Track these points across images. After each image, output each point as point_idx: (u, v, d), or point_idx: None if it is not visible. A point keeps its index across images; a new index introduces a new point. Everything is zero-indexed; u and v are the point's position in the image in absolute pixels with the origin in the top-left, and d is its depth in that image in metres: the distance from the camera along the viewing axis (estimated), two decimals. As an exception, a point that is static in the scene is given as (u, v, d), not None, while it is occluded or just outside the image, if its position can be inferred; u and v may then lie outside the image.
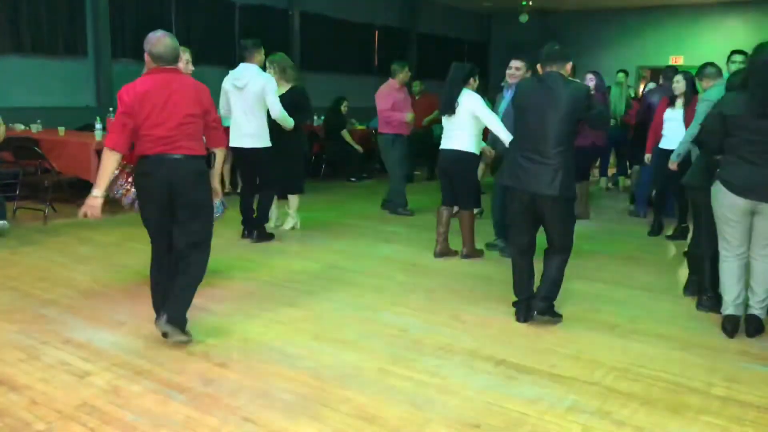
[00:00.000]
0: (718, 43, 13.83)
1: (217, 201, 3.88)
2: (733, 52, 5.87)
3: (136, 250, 5.51)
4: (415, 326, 4.00)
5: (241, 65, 5.68)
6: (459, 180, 5.44)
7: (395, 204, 7.51)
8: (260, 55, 5.75)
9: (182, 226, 3.53)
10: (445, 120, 5.47)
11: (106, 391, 3.06)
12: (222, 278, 4.80)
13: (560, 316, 4.11)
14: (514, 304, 4.17)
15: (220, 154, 3.88)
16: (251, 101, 5.61)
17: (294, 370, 3.33)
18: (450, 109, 5.34)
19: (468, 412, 2.95)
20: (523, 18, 14.53)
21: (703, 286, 4.36)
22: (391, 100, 7.26)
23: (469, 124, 5.30)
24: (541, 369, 3.42)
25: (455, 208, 5.62)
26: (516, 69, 5.67)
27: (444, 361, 3.49)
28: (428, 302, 4.48)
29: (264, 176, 5.94)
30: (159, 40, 3.49)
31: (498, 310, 4.30)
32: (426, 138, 9.23)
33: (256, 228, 5.98)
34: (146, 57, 3.56)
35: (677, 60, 14.89)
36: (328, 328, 3.94)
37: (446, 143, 5.44)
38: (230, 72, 5.75)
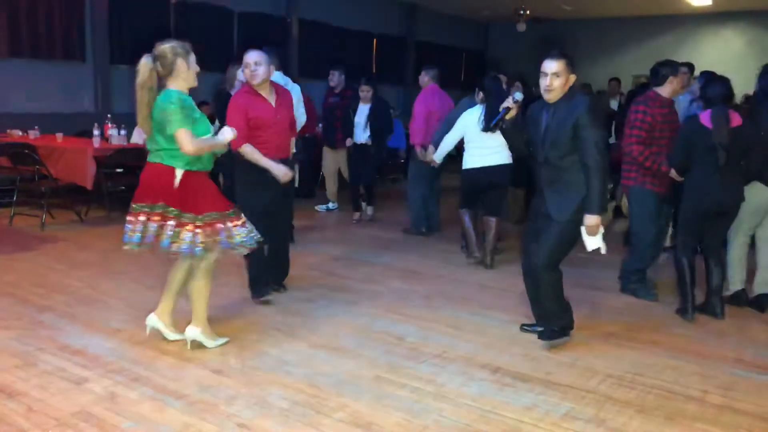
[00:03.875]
0: (714, 52, 13.92)
1: None
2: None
3: (133, 257, 5.49)
4: (412, 333, 4.01)
5: (275, 73, 5.48)
6: (502, 191, 5.65)
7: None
8: None
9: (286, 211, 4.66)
10: (482, 136, 5.34)
11: (103, 397, 3.06)
12: (218, 285, 4.77)
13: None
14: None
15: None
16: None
17: (290, 378, 3.33)
18: (494, 127, 5.21)
19: (464, 419, 2.95)
20: (521, 27, 14.59)
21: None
22: None
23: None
24: (537, 376, 3.43)
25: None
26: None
27: (440, 369, 3.50)
28: (425, 310, 4.49)
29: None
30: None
31: (495, 318, 4.32)
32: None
33: None
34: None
35: (674, 69, 14.95)
36: (325, 335, 3.95)
37: (491, 159, 5.30)
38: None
